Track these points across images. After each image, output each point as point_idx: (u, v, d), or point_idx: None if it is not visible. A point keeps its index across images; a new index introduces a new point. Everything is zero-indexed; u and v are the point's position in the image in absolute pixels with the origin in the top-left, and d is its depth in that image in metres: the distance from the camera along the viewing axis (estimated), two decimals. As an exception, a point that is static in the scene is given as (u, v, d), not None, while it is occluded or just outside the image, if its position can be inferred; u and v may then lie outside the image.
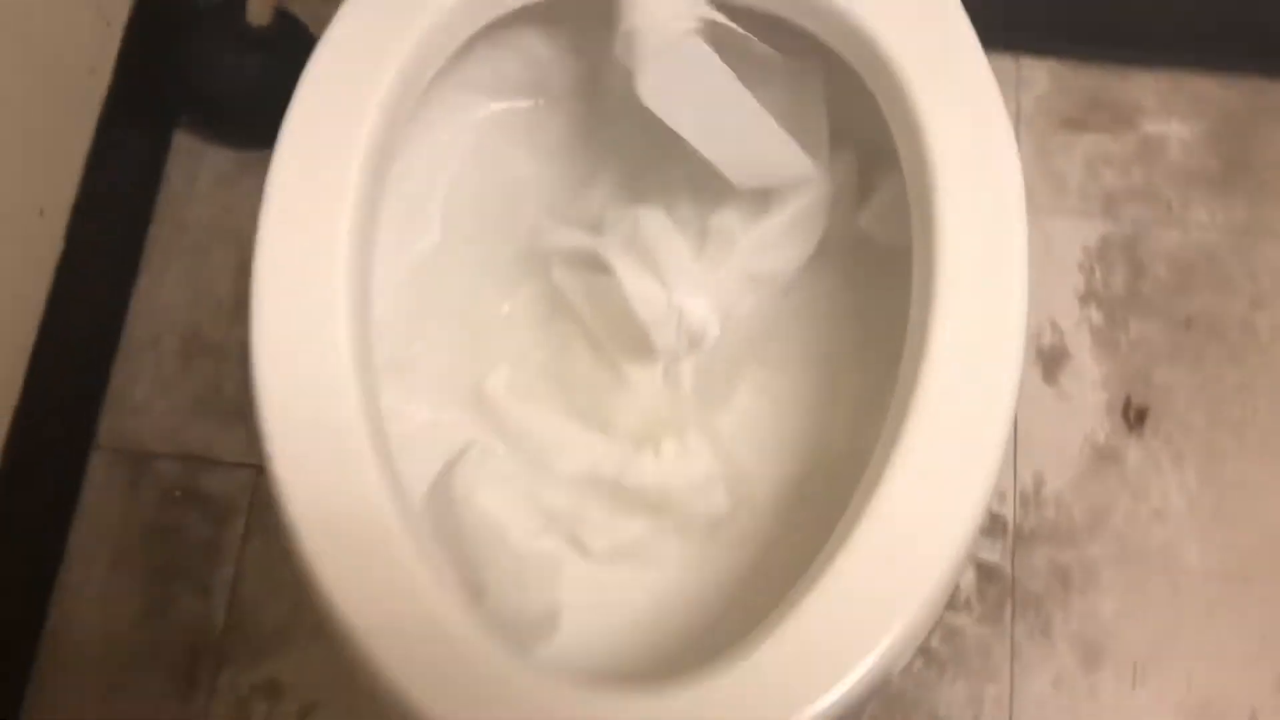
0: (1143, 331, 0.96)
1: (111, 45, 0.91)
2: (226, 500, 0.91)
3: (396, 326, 0.64)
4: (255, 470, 0.92)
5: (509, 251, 0.67)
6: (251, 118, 0.98)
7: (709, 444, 0.64)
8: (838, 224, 0.65)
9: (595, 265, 0.62)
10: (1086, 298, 0.97)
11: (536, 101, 0.70)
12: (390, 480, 0.51)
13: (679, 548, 0.62)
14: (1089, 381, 0.95)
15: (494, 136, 0.70)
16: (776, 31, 0.61)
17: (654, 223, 0.62)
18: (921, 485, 0.53)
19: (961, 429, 0.55)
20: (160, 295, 0.97)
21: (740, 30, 0.59)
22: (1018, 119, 1.02)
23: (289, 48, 0.94)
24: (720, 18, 0.58)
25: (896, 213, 0.61)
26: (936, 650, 0.88)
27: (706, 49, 0.58)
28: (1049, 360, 0.95)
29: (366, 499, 0.51)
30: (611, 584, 0.61)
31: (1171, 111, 1.02)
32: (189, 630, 0.88)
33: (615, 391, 0.63)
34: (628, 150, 0.68)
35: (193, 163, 1.01)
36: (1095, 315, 0.96)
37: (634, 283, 0.60)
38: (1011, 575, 0.90)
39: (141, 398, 0.94)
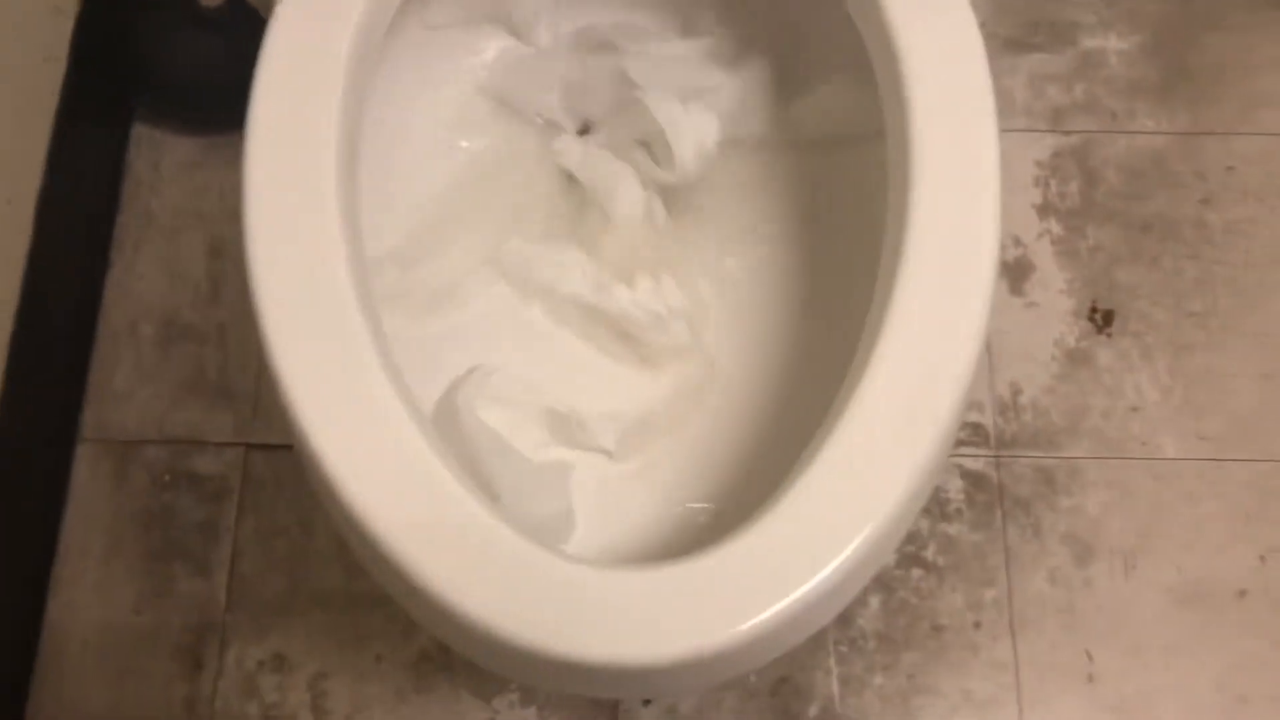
0: (1101, 237, 0.99)
1: (65, 33, 0.91)
2: (218, 480, 0.91)
3: (417, 245, 0.68)
4: (245, 449, 0.92)
5: (520, 161, 0.72)
6: (207, 100, 0.99)
7: (677, 284, 0.69)
8: (761, 117, 0.69)
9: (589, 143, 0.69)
10: (1044, 210, 1.00)
11: (511, 38, 0.72)
12: (402, 387, 0.52)
13: (676, 444, 0.64)
14: (1055, 290, 0.97)
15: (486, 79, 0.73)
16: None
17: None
18: (902, 375, 0.55)
19: (942, 312, 0.56)
20: (133, 283, 0.97)
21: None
22: (962, 45, 1.05)
23: (241, 29, 0.94)
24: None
25: (825, 106, 0.63)
26: (933, 560, 0.90)
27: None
28: (1014, 273, 0.98)
29: (380, 405, 0.52)
30: (618, 484, 0.63)
31: (1108, 26, 1.05)
32: (191, 611, 0.88)
33: (602, 230, 0.69)
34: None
35: (155, 150, 1.01)
36: (1054, 226, 0.99)
37: (656, 99, 0.67)
38: (998, 481, 0.92)
39: (123, 386, 0.94)
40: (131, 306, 0.96)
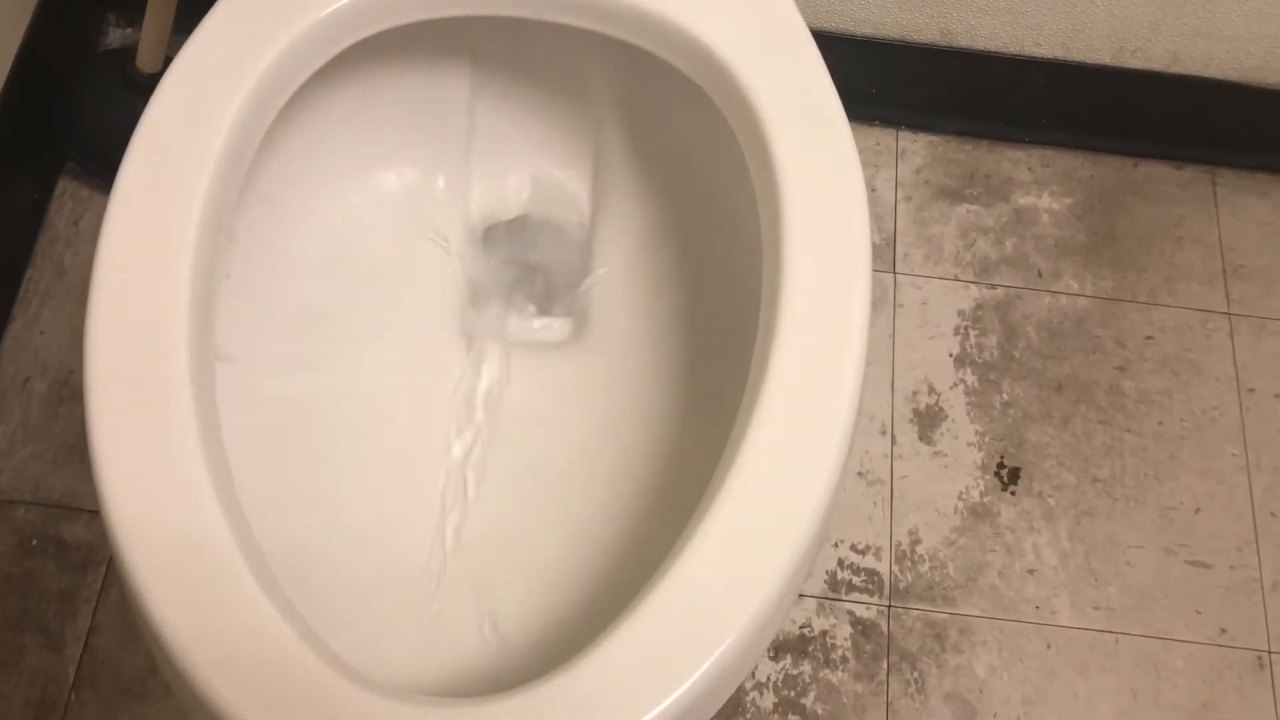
0: (1015, 393, 0.98)
1: (-7, 85, 0.91)
2: (86, 550, 0.88)
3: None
4: (120, 519, 0.89)
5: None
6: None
7: None
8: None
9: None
10: (961, 360, 1.00)
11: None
12: (227, 501, 0.50)
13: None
14: (964, 441, 0.96)
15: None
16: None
17: None
18: (753, 504, 0.53)
19: (797, 444, 0.54)
20: (32, 339, 0.95)
21: None
22: (896, 188, 1.06)
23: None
24: None
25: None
26: (812, 708, 0.87)
27: None
28: (925, 420, 0.97)
29: (200, 521, 0.50)
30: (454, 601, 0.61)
31: (1043, 185, 1.07)
32: (35, 687, 0.84)
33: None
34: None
35: (78, 207, 1.00)
36: (970, 377, 0.99)
37: None
38: (888, 632, 0.90)
39: (4, 443, 0.91)
40: (27, 362, 0.94)
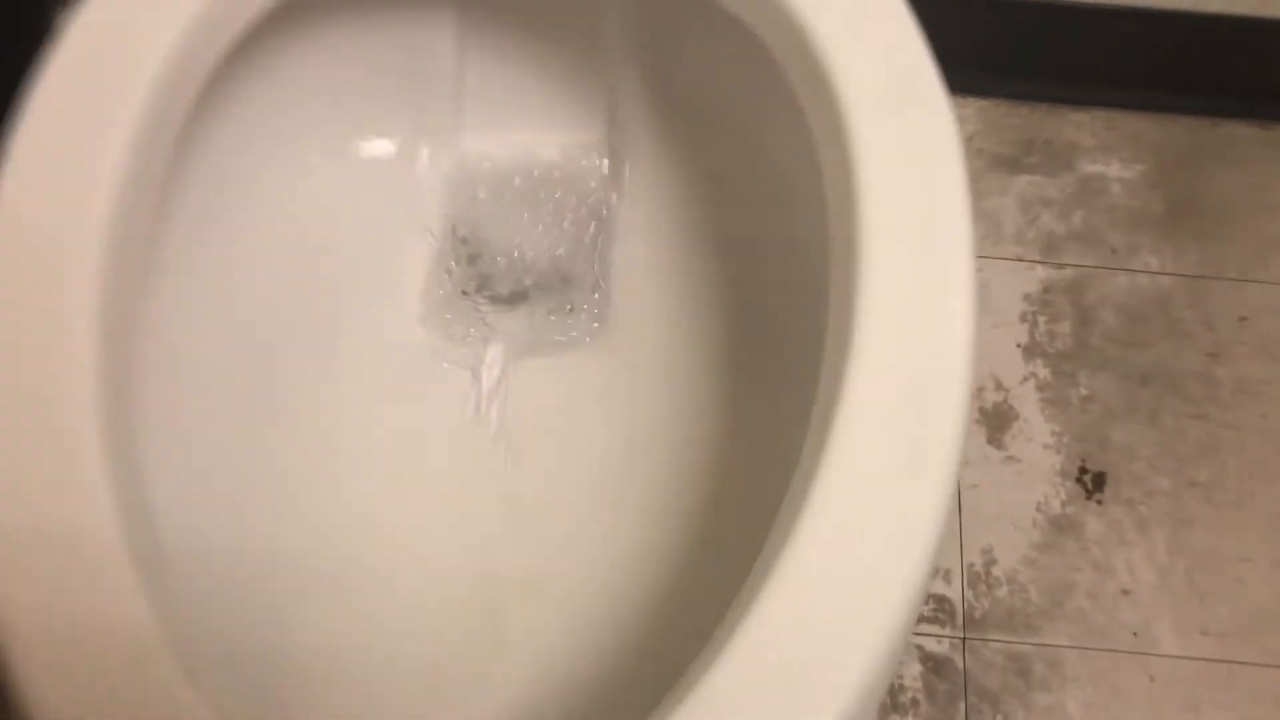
0: (1094, 387, 0.87)
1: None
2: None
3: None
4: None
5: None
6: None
7: None
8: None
9: None
10: (1031, 350, 0.88)
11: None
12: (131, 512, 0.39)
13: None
14: (1039, 444, 0.85)
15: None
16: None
17: None
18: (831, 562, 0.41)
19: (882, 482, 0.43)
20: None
21: None
22: (946, 159, 0.94)
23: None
24: None
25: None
26: (881, 761, 0.75)
27: None
28: (994, 421, 0.85)
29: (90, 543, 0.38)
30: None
31: (1110, 151, 0.95)
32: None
33: None
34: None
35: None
36: (1042, 370, 0.87)
37: None
38: (963, 668, 0.78)
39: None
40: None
